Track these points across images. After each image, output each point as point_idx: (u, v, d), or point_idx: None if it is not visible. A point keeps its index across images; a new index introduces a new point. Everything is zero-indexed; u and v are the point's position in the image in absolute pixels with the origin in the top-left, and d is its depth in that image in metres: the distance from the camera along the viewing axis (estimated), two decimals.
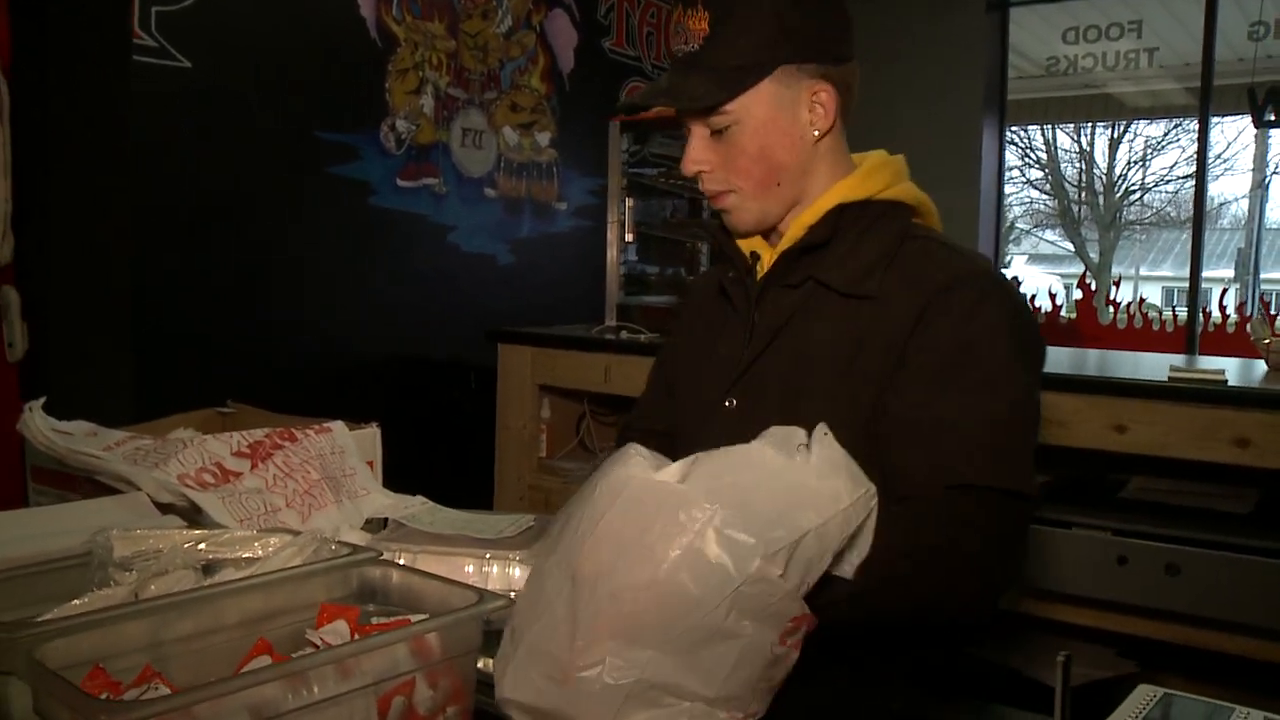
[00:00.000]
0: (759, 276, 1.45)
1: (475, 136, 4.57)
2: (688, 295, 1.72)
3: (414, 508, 1.50)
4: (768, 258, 1.45)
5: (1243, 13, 5.88)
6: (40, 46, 1.93)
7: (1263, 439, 2.18)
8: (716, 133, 1.38)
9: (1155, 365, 2.71)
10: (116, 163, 2.07)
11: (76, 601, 0.98)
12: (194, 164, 3.40)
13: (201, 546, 1.07)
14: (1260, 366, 2.72)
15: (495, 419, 3.39)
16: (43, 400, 1.42)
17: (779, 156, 1.39)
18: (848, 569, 1.03)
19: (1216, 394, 2.25)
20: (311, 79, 3.83)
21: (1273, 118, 5.23)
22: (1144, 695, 0.99)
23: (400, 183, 4.22)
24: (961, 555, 1.20)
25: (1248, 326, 5.21)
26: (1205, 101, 5.77)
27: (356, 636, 0.95)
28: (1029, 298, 6.28)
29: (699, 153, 1.40)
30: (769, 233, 1.46)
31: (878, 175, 1.44)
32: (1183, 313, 5.87)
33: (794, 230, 1.42)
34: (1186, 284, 5.91)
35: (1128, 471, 2.61)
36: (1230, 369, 2.58)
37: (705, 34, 1.34)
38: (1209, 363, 2.79)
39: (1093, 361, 3.11)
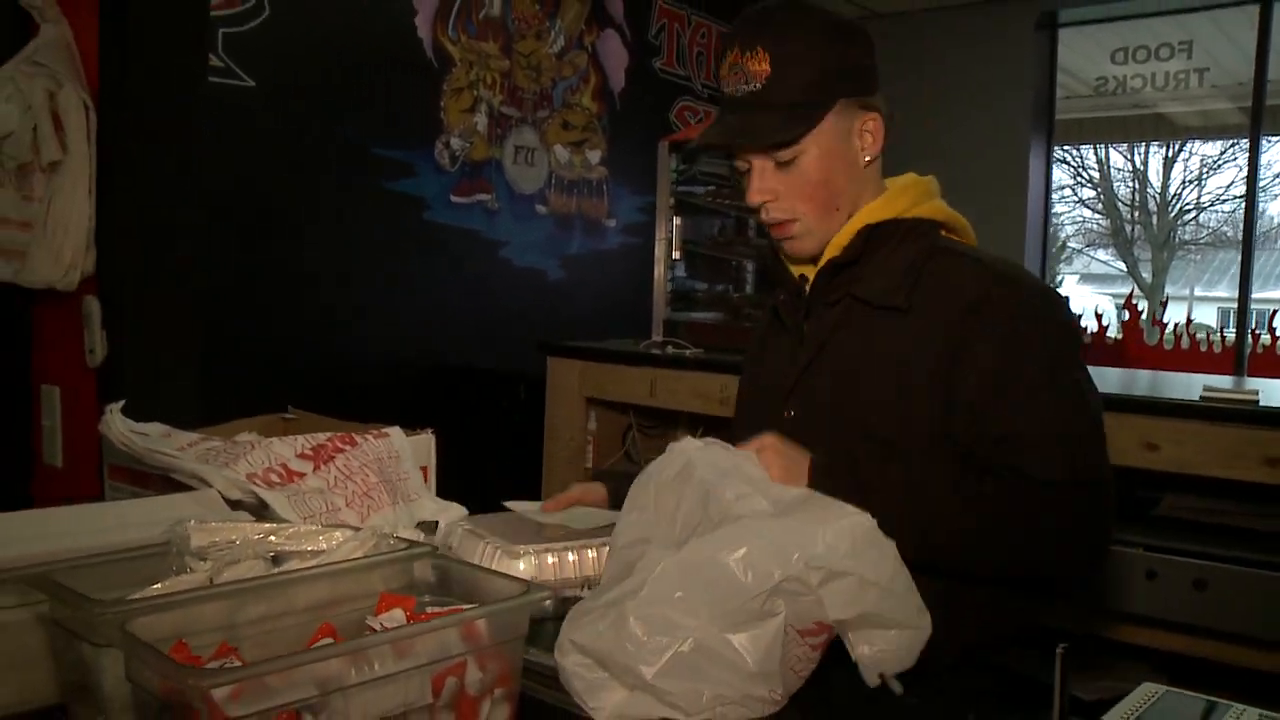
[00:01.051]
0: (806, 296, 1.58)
1: (528, 154, 4.68)
2: (755, 324, 1.86)
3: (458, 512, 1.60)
4: (812, 277, 1.57)
5: None
6: (123, 68, 2.06)
7: None
8: (782, 164, 1.47)
9: (1191, 386, 2.75)
10: (186, 179, 2.19)
11: (157, 586, 1.07)
12: (255, 180, 3.54)
13: (272, 539, 1.16)
14: None
15: (544, 429, 3.47)
16: (122, 403, 1.52)
17: (838, 183, 1.49)
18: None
19: (1247, 414, 2.28)
20: (369, 97, 3.96)
21: None
22: (1146, 692, 1.06)
23: (454, 199, 4.33)
24: (1043, 534, 1.36)
25: None
26: (1257, 122, 5.74)
27: (410, 623, 1.04)
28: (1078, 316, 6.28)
29: (766, 183, 1.49)
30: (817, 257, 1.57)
31: (903, 196, 1.54)
32: (1232, 334, 5.85)
33: (830, 250, 1.52)
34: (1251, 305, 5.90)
35: (1159, 489, 2.65)
36: (1266, 390, 2.60)
37: (767, 74, 1.42)
38: (1250, 384, 2.82)
39: (1127, 381, 3.14)
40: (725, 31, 1.53)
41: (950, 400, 1.40)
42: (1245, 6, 5.63)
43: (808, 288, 1.57)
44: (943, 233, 1.56)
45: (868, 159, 1.52)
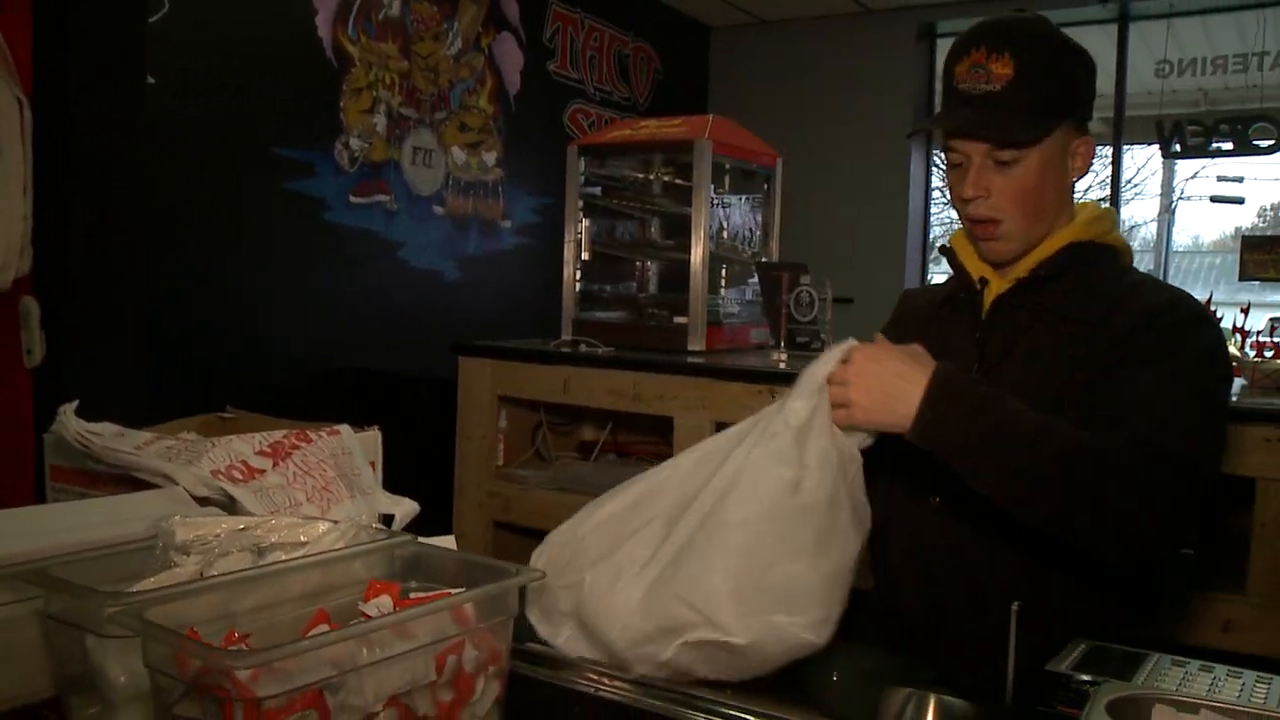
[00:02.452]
0: (989, 299, 1.64)
1: (425, 155, 4.69)
2: (906, 305, 1.89)
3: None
4: (995, 283, 1.65)
5: (1150, 51, 6.21)
6: (61, 67, 2.03)
7: None
8: (1002, 164, 1.53)
9: None
10: (123, 179, 2.17)
11: (149, 580, 1.10)
12: (154, 180, 3.48)
13: (257, 532, 1.20)
14: None
15: (453, 429, 3.50)
16: (75, 404, 1.53)
17: (1048, 194, 1.57)
18: None
19: None
20: (269, 97, 3.93)
21: (1178, 148, 5.55)
22: (1076, 645, 1.18)
23: (353, 199, 4.33)
24: (1112, 491, 1.33)
25: None
26: (1118, 132, 6.10)
27: (397, 609, 1.09)
28: None
29: (983, 180, 1.55)
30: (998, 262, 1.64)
31: (1100, 223, 1.63)
32: None
33: (1028, 263, 1.60)
34: None
35: None
36: None
37: (1009, 78, 1.48)
38: None
39: None
40: (967, 32, 1.58)
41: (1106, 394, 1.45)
42: (1106, 25, 5.99)
43: (989, 292, 1.65)
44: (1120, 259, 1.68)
45: (1075, 179, 1.61)
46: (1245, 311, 6.08)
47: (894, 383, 1.31)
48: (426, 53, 4.65)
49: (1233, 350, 2.98)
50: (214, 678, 0.88)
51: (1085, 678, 1.07)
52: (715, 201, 3.45)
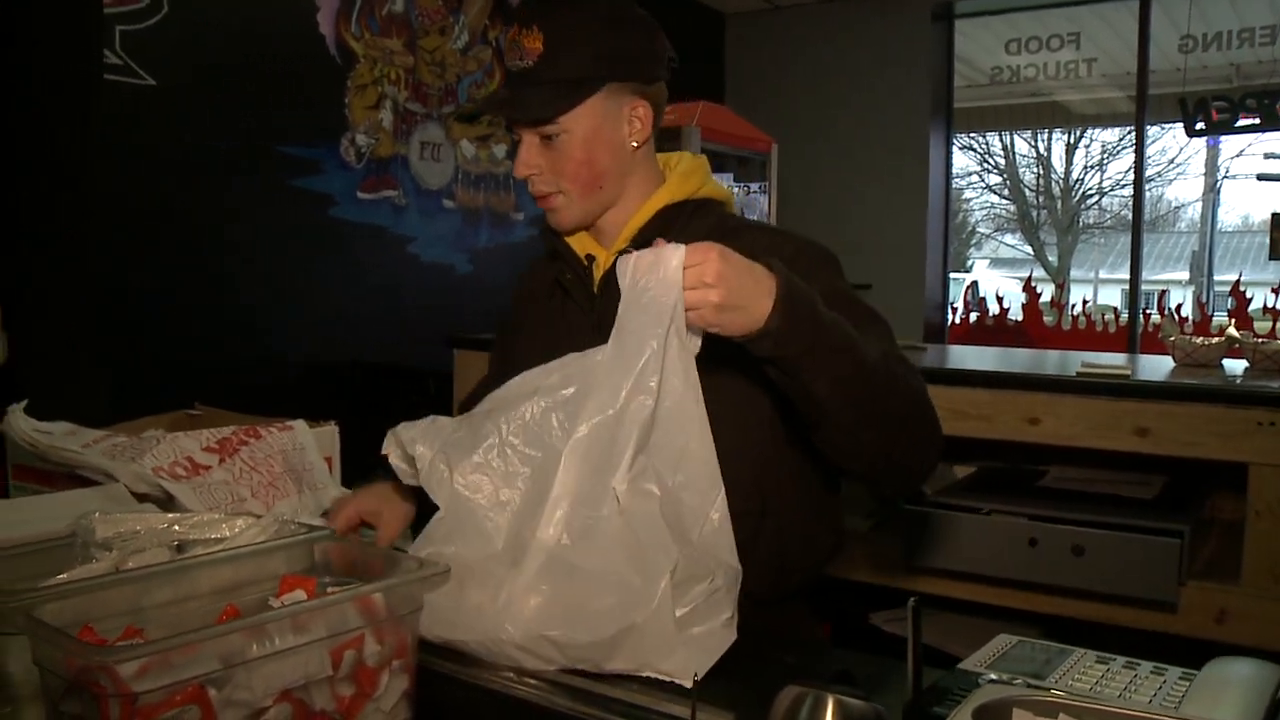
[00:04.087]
0: (598, 275, 1.59)
1: (433, 149, 4.70)
2: (520, 290, 1.86)
3: None
4: (603, 258, 1.60)
5: (1174, 26, 6.09)
6: (13, 69, 2.04)
7: (1160, 428, 2.35)
8: (547, 139, 1.50)
9: (1073, 363, 2.88)
10: (87, 180, 2.18)
11: (63, 575, 1.11)
12: (158, 178, 3.52)
13: (176, 528, 1.20)
14: (1170, 363, 2.90)
15: None
16: (24, 403, 1.55)
17: (603, 163, 1.52)
18: None
19: (1118, 387, 2.42)
20: (272, 95, 3.95)
21: (1202, 126, 5.44)
22: (1000, 641, 1.15)
23: (361, 195, 4.35)
24: (928, 413, 1.44)
25: (1161, 325, 5.41)
26: (1141, 110, 5.98)
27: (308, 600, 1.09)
28: (980, 299, 6.52)
29: (532, 157, 1.51)
30: (600, 235, 1.60)
31: (694, 176, 1.60)
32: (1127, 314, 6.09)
33: (626, 232, 1.57)
34: (1141, 286, 6.15)
35: (1040, 460, 2.78)
36: (1141, 365, 2.75)
37: (540, 52, 1.45)
38: (1131, 359, 2.97)
39: (1014, 359, 3.28)
40: (511, 29, 1.56)
41: None
42: (1128, 2, 5.88)
43: (597, 268, 1.61)
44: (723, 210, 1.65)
45: (635, 144, 1.54)
46: (1276, 291, 5.98)
47: (749, 279, 1.23)
48: (432, 47, 4.66)
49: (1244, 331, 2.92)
50: (92, 674, 0.89)
51: (992, 676, 1.05)
52: None
